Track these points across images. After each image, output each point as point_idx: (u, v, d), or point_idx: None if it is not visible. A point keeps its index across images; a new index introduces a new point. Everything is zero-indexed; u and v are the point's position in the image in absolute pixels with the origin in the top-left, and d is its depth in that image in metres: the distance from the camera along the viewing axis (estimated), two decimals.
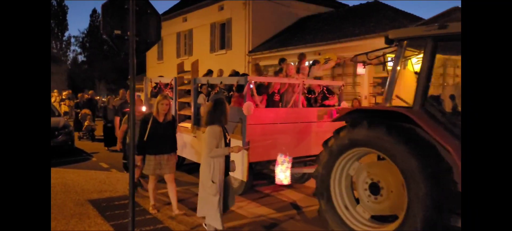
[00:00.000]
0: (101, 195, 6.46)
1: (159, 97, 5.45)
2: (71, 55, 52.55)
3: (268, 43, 18.66)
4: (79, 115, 14.15)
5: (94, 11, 49.67)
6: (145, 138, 5.30)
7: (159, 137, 5.37)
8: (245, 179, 6.10)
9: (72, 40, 56.08)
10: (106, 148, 11.55)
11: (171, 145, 5.58)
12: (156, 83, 9.33)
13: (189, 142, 7.54)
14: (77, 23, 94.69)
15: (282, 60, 8.40)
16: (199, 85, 7.80)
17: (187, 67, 8.59)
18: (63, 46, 50.00)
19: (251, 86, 6.18)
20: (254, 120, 6.04)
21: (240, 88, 6.49)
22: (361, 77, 13.90)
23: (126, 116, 6.47)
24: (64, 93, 22.13)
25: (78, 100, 15.43)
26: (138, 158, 5.34)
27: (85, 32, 50.68)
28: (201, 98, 7.58)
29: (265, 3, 19.15)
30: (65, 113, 16.18)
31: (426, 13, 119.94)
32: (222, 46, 21.09)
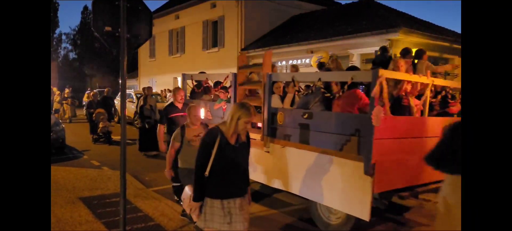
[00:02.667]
0: (92, 193, 6.43)
1: (238, 110, 3.17)
2: (62, 52, 52.19)
3: (260, 41, 18.68)
4: (93, 115, 12.71)
5: (85, 8, 49.25)
6: (207, 172, 3.18)
7: (229, 169, 3.27)
8: (367, 218, 4.21)
9: (63, 37, 55.56)
10: (143, 153, 10.32)
11: (245, 181, 3.45)
12: (198, 81, 7.53)
13: (259, 158, 5.68)
14: (68, 20, 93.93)
15: (407, 52, 6.26)
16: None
17: (253, 59, 7.56)
18: (54, 43, 49.61)
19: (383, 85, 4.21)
20: (385, 133, 4.21)
21: (353, 87, 4.82)
22: None
23: (178, 130, 4.73)
24: (66, 91, 20.64)
25: (91, 99, 13.91)
26: (195, 205, 3.29)
27: (76, 29, 50.33)
28: (277, 101, 5.83)
29: (257, 1, 19.15)
30: (56, 111, 15.66)
31: (420, 13, 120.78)
32: (215, 44, 21.07)
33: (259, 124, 5.69)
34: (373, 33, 13.05)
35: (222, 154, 3.19)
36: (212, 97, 7.15)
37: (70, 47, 51.95)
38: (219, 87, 6.89)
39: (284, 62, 16.68)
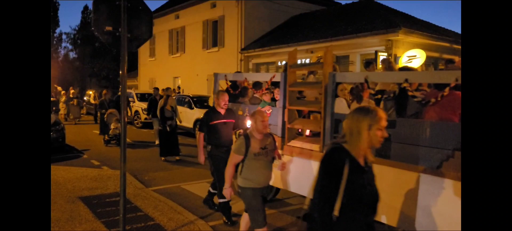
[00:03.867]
0: (92, 192, 6.43)
1: (364, 117, 2.31)
2: (62, 51, 52.22)
3: (260, 41, 18.69)
4: (105, 116, 12.01)
5: (86, 7, 49.29)
6: (336, 211, 2.23)
7: (364, 203, 2.33)
8: None
9: (64, 36, 55.58)
10: (162, 158, 9.64)
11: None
12: (233, 82, 6.58)
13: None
14: (69, 20, 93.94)
15: None
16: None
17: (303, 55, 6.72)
18: (54, 42, 49.63)
19: None
20: None
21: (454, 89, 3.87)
22: None
23: (242, 141, 3.86)
24: (72, 91, 19.46)
25: (102, 98, 13.09)
26: None
27: (77, 28, 50.36)
28: (343, 106, 4.97)
29: (257, 1, 19.16)
30: (56, 111, 15.44)
31: (421, 13, 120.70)
32: (215, 44, 21.08)
33: (307, 132, 5.08)
34: (373, 33, 13.06)
35: (354, 184, 2.26)
36: (250, 99, 6.41)
37: (70, 47, 52.01)
38: (264, 88, 6.01)
39: (284, 62, 16.69)
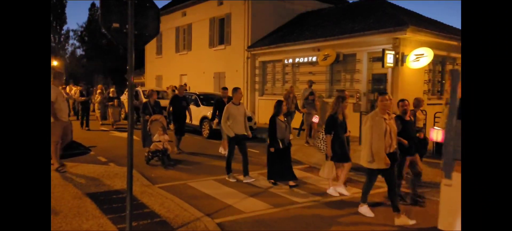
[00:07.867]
0: (99, 188, 6.46)
1: None
2: (69, 48, 52.52)
3: (267, 39, 18.65)
4: (148, 124, 9.03)
5: (93, 5, 49.58)
6: None
7: None
8: None
9: (71, 33, 55.88)
10: (271, 181, 7.29)
11: None
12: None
13: None
14: (76, 17, 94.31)
15: None
16: None
17: None
18: (62, 39, 49.94)
19: None
20: None
21: None
22: (359, 74, 13.91)
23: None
24: (111, 89, 16.31)
25: (146, 100, 10.11)
26: None
27: (84, 26, 50.62)
28: None
29: None
30: (73, 109, 13.65)
31: (426, 11, 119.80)
32: (221, 41, 21.06)
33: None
34: (381, 31, 12.98)
35: None
36: None
37: (77, 44, 52.31)
38: None
39: (290, 60, 16.66)
